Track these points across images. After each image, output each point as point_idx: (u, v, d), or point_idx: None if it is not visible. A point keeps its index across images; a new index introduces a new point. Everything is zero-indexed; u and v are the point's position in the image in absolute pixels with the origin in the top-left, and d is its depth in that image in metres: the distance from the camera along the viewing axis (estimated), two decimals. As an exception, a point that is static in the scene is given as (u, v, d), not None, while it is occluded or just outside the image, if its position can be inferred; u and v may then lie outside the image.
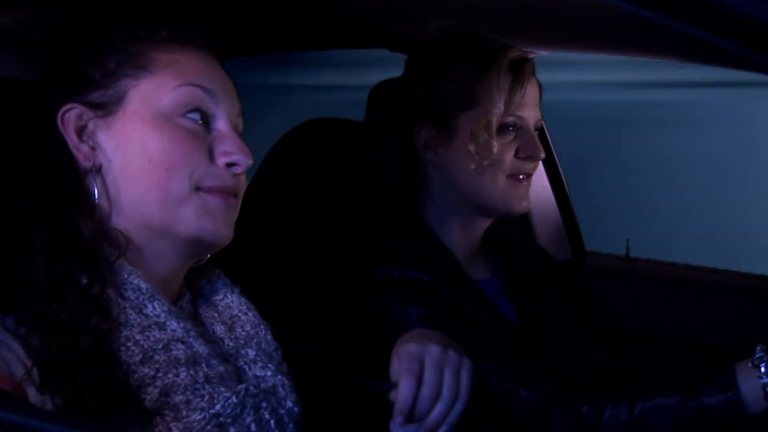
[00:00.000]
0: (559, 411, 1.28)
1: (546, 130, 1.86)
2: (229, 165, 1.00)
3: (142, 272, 0.97)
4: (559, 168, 1.98)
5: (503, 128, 1.41)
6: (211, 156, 1.00)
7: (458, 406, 0.97)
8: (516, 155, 1.42)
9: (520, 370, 1.33)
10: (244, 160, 1.01)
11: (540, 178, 1.95)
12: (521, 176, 1.43)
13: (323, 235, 1.52)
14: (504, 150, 1.41)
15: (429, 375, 0.96)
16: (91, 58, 1.01)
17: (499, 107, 1.40)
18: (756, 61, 0.78)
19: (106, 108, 0.99)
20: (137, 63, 1.00)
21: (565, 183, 2.01)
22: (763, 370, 1.19)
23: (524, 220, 1.99)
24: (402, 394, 0.95)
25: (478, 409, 1.06)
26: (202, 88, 1.00)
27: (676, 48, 1.45)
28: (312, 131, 1.58)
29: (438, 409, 0.96)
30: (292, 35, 1.80)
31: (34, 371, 0.87)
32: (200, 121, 1.00)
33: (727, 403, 1.20)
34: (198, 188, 0.98)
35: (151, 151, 0.97)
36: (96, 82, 1.00)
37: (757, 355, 1.20)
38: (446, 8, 1.55)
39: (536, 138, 1.44)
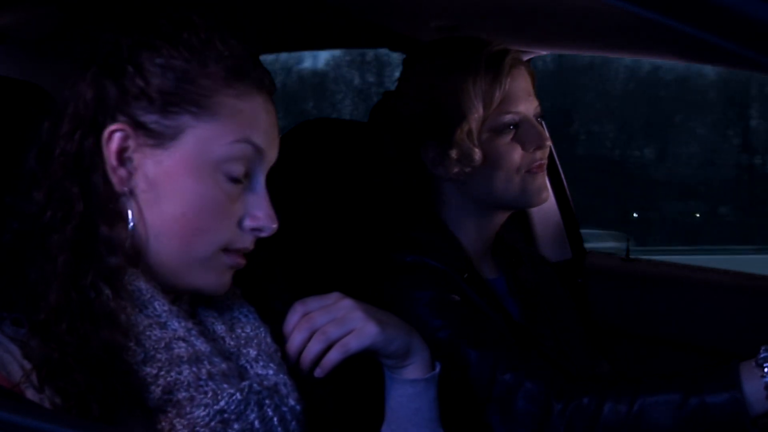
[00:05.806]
0: (560, 402, 1.28)
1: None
2: (254, 229, 1.00)
3: (141, 274, 0.97)
4: (559, 168, 1.98)
5: (503, 128, 1.40)
6: (240, 217, 0.99)
7: (332, 354, 1.03)
8: (523, 149, 1.41)
9: (525, 360, 1.33)
10: (269, 228, 1.00)
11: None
12: (535, 166, 1.42)
13: (328, 232, 1.52)
14: (510, 149, 1.40)
15: (302, 322, 1.04)
16: (156, 64, 0.94)
17: (479, 111, 1.39)
18: (756, 61, 0.78)
19: (159, 139, 0.95)
20: (202, 103, 0.95)
21: (565, 183, 2.01)
22: (767, 370, 1.18)
23: (524, 220, 1.99)
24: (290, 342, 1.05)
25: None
26: (256, 147, 0.97)
27: (676, 48, 1.46)
28: (311, 131, 1.58)
29: (306, 350, 1.03)
30: (292, 35, 1.80)
31: (33, 373, 0.86)
32: (242, 182, 0.98)
33: (730, 401, 1.19)
34: (223, 250, 0.98)
35: (187, 205, 0.95)
36: (152, 100, 0.94)
37: (762, 355, 1.18)
38: (446, 8, 1.55)
39: (537, 126, 1.42)
